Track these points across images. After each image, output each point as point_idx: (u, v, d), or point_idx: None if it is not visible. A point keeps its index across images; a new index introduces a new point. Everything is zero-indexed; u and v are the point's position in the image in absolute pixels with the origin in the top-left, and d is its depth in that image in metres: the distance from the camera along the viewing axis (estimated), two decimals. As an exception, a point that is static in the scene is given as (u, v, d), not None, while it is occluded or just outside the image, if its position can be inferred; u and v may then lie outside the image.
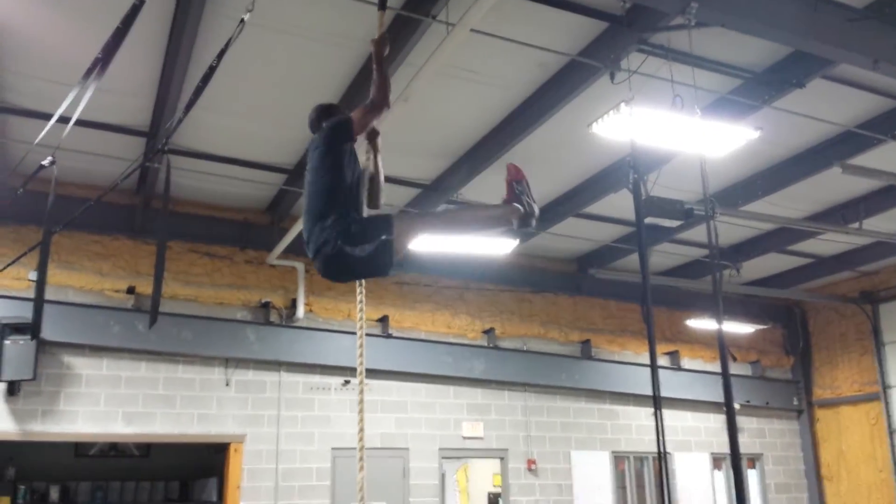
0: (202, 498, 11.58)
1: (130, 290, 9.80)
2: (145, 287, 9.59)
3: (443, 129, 8.35)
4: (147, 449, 11.94)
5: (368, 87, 7.00)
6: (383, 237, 3.71)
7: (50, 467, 11.17)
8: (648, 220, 8.10)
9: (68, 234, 9.36)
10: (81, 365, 9.51)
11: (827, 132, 8.46)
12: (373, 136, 4.33)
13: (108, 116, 7.99)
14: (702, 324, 12.94)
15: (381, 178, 4.37)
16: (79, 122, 5.20)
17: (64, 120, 5.13)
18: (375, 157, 4.31)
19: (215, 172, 9.26)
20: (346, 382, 10.83)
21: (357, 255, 3.71)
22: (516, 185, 3.94)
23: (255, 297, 10.63)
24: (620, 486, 12.77)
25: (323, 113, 4.28)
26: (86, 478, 11.43)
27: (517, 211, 3.90)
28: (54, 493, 11.08)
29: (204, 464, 11.65)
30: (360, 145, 4.22)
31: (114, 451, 11.82)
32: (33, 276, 8.50)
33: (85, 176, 9.17)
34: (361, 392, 4.20)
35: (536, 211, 3.93)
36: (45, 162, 5.74)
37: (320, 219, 3.80)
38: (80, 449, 11.53)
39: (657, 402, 5.72)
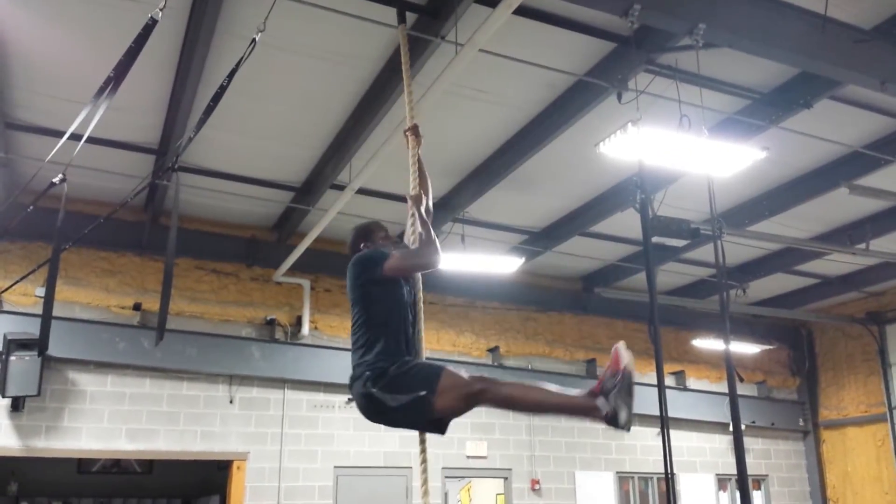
0: (205, 516, 11.57)
1: (137, 307, 9.81)
2: (151, 303, 9.60)
3: (450, 148, 8.38)
4: (150, 466, 11.93)
5: (375, 106, 7.11)
6: (422, 392, 3.32)
7: (52, 483, 11.17)
8: (655, 240, 8.07)
9: (76, 250, 9.36)
10: (86, 381, 9.50)
11: (834, 152, 8.46)
12: (414, 131, 4.33)
13: (119, 134, 8.03)
14: (708, 344, 12.90)
15: (425, 175, 4.31)
16: (89, 140, 5.22)
17: (75, 137, 5.15)
18: (418, 157, 4.27)
19: (223, 189, 9.28)
20: (350, 400, 10.80)
21: (388, 404, 3.37)
22: (610, 377, 3.31)
23: (260, 314, 10.63)
24: (624, 503, 12.70)
25: (358, 236, 4.06)
26: (88, 494, 11.44)
27: (598, 411, 3.27)
28: (57, 510, 11.10)
29: (206, 481, 11.62)
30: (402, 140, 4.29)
31: (116, 467, 11.81)
32: (40, 292, 8.52)
33: (94, 192, 9.20)
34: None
35: (623, 418, 3.24)
36: (56, 179, 5.74)
37: (357, 349, 3.58)
38: (82, 465, 11.53)
39: (665, 422, 5.70)
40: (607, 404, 3.24)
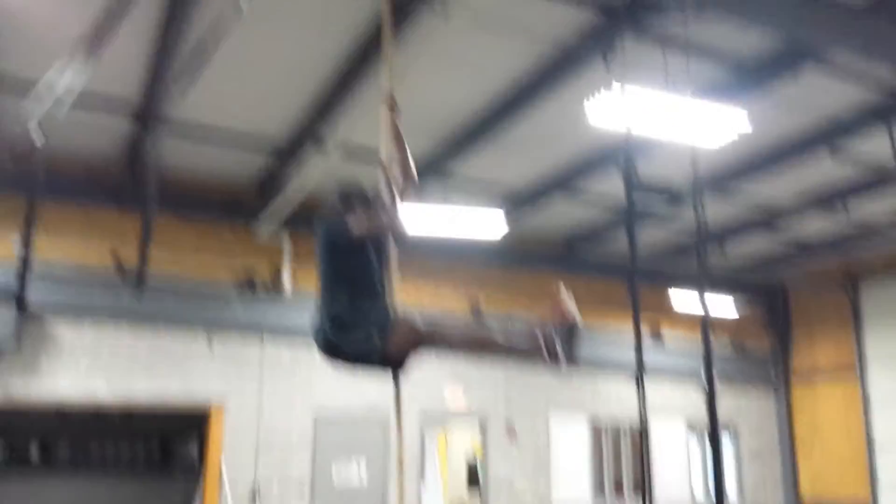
0: (184, 457, 11.69)
1: (116, 261, 9.71)
2: (130, 257, 9.52)
3: (435, 110, 8.29)
4: (129, 412, 11.98)
5: (360, 65, 6.98)
6: (373, 334, 3.51)
7: (31, 428, 11.20)
8: (637, 203, 8.10)
9: (54, 203, 9.23)
10: (64, 332, 9.48)
11: (817, 119, 8.45)
12: (392, 106, 4.18)
13: (97, 87, 7.83)
14: (685, 302, 13.05)
15: (406, 153, 4.13)
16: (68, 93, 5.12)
17: (53, 91, 5.05)
18: (396, 128, 4.12)
19: (204, 145, 9.13)
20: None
21: (343, 347, 3.58)
22: (550, 322, 3.45)
23: (240, 268, 10.59)
24: (597, 450, 13.03)
25: (338, 199, 4.05)
26: (67, 438, 11.48)
27: (539, 353, 3.43)
28: (35, 453, 11.16)
29: (186, 427, 11.71)
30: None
31: (96, 414, 11.84)
32: (18, 245, 8.42)
33: (71, 146, 9.02)
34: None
35: (561, 359, 3.38)
36: (34, 132, 5.65)
37: (322, 303, 3.76)
38: (62, 411, 11.54)
39: (640, 379, 5.82)
40: (546, 347, 3.38)
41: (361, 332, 3.54)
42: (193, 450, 11.13)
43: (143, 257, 8.26)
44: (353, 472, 10.82)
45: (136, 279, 8.65)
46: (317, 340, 3.71)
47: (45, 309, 9.30)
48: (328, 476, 10.69)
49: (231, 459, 10.13)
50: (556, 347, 3.36)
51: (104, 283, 9.63)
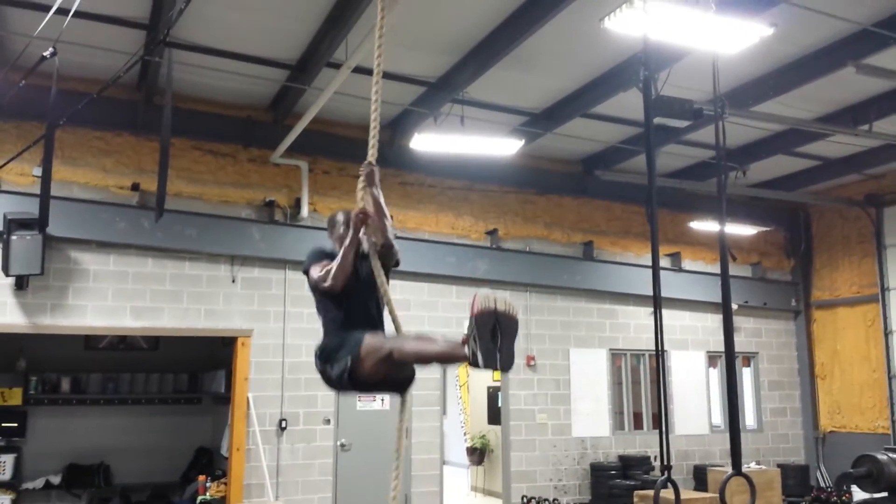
0: (211, 389, 11.92)
1: (135, 187, 9.78)
2: (149, 184, 9.56)
3: (449, 23, 8.13)
4: (156, 343, 12.19)
5: None
6: (348, 361, 3.66)
7: (60, 359, 11.44)
8: (657, 120, 7.98)
9: (71, 129, 9.27)
10: (88, 260, 9.59)
11: (842, 30, 8.25)
12: (366, 169, 4.10)
13: (108, 8, 7.79)
14: (704, 226, 12.98)
15: (384, 212, 4.12)
16: (78, 14, 5.09)
17: (63, 11, 5.01)
18: (371, 191, 4.07)
19: (216, 67, 9.08)
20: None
21: (328, 374, 3.79)
22: (468, 325, 3.42)
23: (259, 195, 10.62)
24: (616, 382, 13.11)
25: (327, 226, 4.38)
26: (96, 369, 11.72)
27: (465, 357, 3.43)
28: (65, 384, 11.41)
29: (212, 357, 11.91)
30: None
31: (123, 344, 12.07)
32: (37, 171, 8.48)
33: (86, 70, 9.01)
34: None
35: (480, 361, 3.34)
36: (47, 53, 5.64)
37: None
38: (89, 342, 11.77)
39: (657, 302, 5.81)
40: (468, 349, 3.42)
41: (340, 361, 3.71)
42: (221, 382, 11.31)
43: (162, 182, 8.28)
44: (376, 400, 10.99)
45: (157, 205, 8.69)
46: (317, 371, 3.92)
47: (67, 237, 9.38)
48: (352, 402, 10.87)
49: (257, 387, 10.28)
50: (472, 346, 3.37)
51: (125, 212, 9.69)
